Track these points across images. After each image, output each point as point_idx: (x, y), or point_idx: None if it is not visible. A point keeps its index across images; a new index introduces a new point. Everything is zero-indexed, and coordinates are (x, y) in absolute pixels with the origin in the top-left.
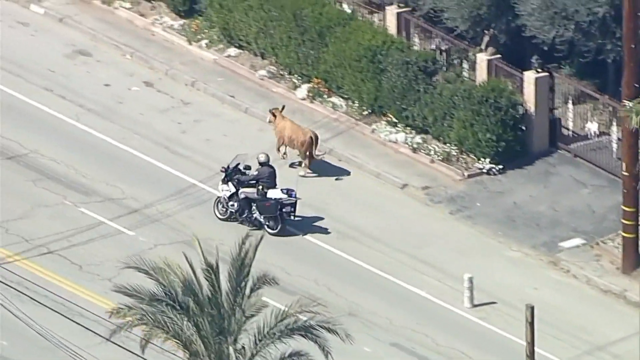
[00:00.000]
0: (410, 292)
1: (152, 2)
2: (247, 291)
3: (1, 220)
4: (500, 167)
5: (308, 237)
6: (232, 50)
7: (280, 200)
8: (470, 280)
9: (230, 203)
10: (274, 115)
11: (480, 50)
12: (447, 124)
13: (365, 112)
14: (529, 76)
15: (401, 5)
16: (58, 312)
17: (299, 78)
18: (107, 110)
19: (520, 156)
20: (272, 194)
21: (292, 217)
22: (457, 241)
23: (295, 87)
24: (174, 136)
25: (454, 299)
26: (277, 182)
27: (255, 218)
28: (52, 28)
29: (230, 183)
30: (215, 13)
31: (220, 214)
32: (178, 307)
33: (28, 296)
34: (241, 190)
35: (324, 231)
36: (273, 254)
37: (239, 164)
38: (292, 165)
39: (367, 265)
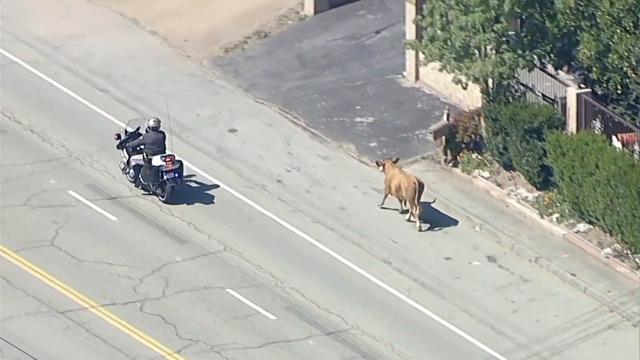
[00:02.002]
0: None
1: (511, 172)
2: None
3: None
4: None
5: None
6: (582, 226)
7: (160, 168)
8: None
9: (126, 170)
10: (383, 165)
11: None
12: None
13: None
14: None
15: None
16: None
17: None
18: (440, 285)
19: None
20: (155, 161)
21: (177, 184)
22: None
23: (638, 267)
24: (503, 315)
25: None
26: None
27: (147, 185)
28: None
29: (124, 150)
30: (566, 186)
31: (130, 177)
32: None
33: None
34: (132, 157)
35: None
36: None
37: (139, 128)
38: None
39: None
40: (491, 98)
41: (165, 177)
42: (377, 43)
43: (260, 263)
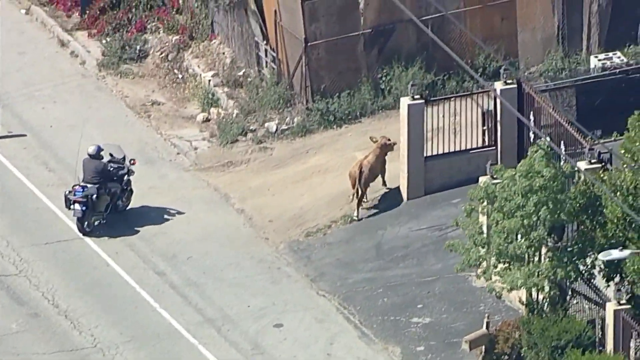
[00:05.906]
0: None
1: None
2: None
3: None
4: None
5: None
6: None
7: (68, 195)
8: None
9: None
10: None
11: None
12: None
13: None
14: None
15: None
16: None
17: None
18: None
19: None
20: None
21: (84, 217)
22: None
23: None
24: None
25: None
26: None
27: None
28: None
29: None
30: None
31: None
32: None
33: None
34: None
35: None
36: None
37: (124, 157)
38: None
39: None
40: (531, 309)
41: (72, 207)
42: (460, 236)
43: None
